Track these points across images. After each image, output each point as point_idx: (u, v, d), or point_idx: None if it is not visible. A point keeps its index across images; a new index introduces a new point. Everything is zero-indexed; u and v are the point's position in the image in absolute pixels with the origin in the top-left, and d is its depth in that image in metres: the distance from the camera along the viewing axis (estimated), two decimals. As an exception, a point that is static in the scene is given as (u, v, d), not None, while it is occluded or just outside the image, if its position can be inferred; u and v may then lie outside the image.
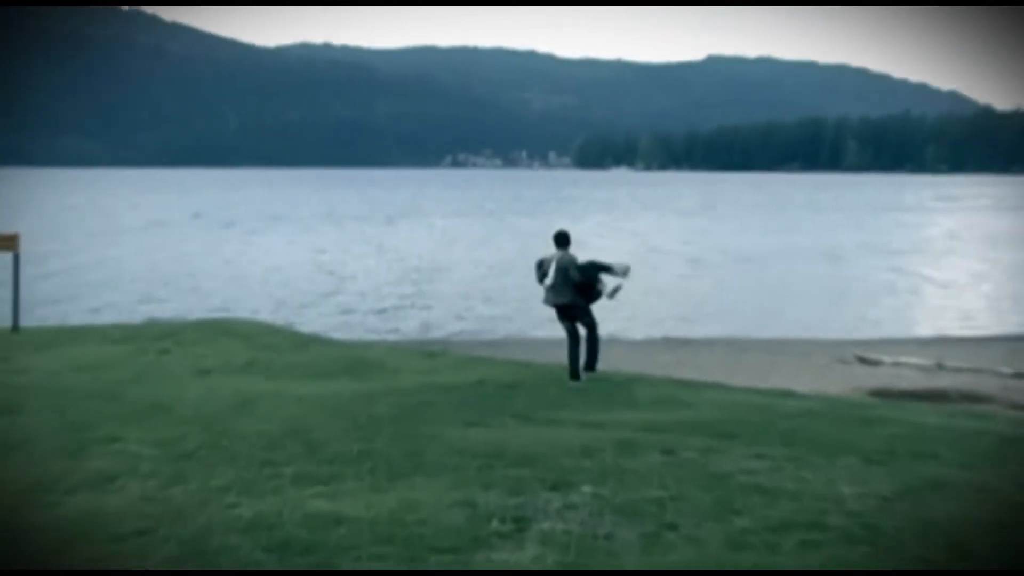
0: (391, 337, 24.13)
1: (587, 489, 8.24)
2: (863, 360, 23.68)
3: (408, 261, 48.58)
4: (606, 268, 13.95)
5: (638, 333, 29.38)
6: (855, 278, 44.54)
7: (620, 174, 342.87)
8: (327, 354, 16.28)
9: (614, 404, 12.49)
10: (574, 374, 13.80)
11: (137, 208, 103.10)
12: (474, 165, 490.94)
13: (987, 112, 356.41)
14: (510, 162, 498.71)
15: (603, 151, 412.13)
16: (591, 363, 13.93)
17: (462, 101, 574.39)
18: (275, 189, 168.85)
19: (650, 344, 26.94)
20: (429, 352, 17.15)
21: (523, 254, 41.32)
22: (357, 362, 15.45)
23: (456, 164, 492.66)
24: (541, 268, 13.79)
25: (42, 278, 37.63)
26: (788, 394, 14.42)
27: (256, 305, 29.63)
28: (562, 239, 14.08)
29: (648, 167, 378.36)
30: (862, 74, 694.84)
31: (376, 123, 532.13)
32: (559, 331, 14.34)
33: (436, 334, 25.06)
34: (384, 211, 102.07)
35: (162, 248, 55.50)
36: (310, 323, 25.49)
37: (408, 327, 26.51)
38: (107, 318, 26.65)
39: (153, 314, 27.30)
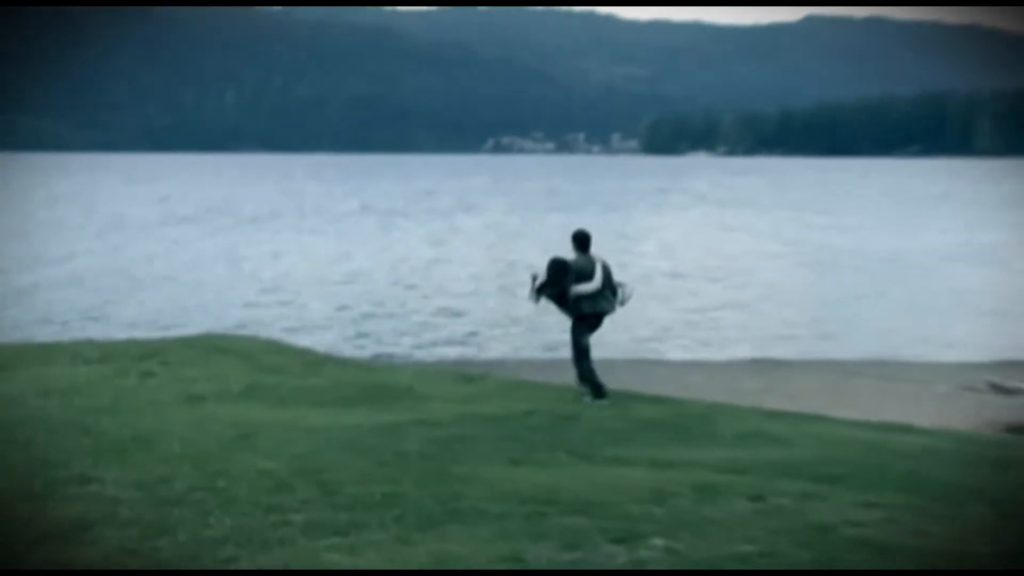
0: (423, 356, 24.58)
1: (658, 542, 8.14)
2: (998, 388, 23.47)
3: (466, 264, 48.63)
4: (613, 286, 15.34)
5: (719, 353, 29.47)
6: (986, 290, 43.97)
7: (698, 160, 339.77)
8: (344, 377, 16.24)
9: (691, 440, 12.35)
10: (601, 389, 14.96)
11: (136, 201, 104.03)
12: (521, 150, 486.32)
13: None
14: (564, 146, 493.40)
15: (677, 133, 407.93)
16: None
17: (506, 74, 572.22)
18: (287, 179, 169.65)
19: (734, 367, 26.96)
20: (467, 376, 17.10)
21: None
22: (380, 388, 15.43)
23: (499, 149, 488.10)
24: (567, 270, 14.82)
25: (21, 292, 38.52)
26: (905, 429, 14.31)
27: (286, 318, 30.39)
28: (585, 241, 15.31)
29: (732, 151, 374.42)
30: (996, 37, 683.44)
31: (402, 101, 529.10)
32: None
33: (488, 354, 25.09)
34: (429, 204, 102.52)
35: (170, 251, 56.47)
36: (359, 342, 25.81)
37: (445, 349, 27.33)
38: (89, 333, 26.78)
39: (160, 329, 27.76)
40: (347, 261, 53.37)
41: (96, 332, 27.02)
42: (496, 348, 27.79)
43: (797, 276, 48.63)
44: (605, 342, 17.99)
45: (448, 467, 10.58)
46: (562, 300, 15.41)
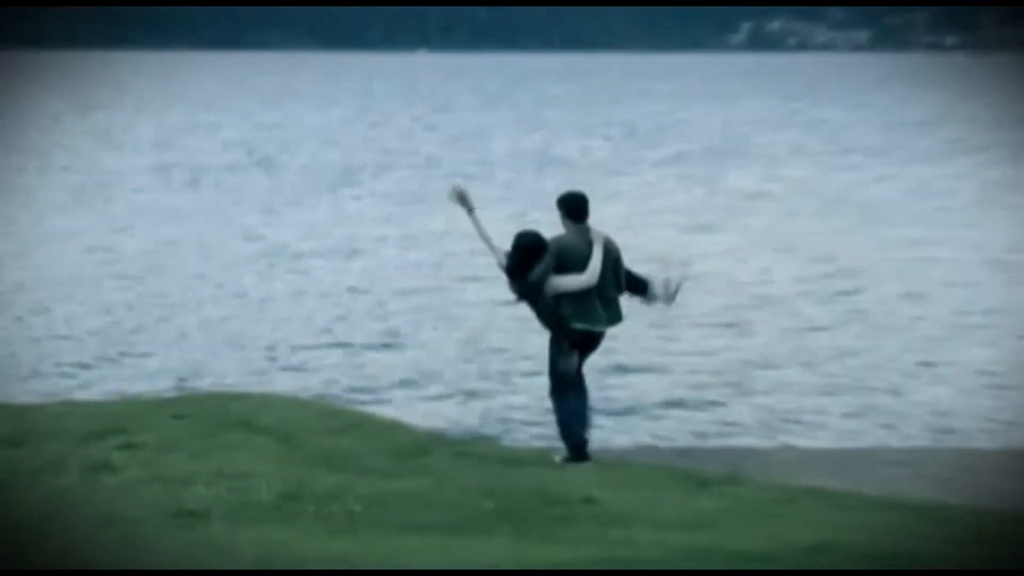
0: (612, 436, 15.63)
1: None
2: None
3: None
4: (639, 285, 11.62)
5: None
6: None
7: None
8: (467, 475, 10.12)
9: None
10: (582, 449, 11.24)
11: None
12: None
13: None
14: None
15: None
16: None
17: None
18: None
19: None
20: (697, 477, 10.42)
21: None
22: (537, 496, 9.33)
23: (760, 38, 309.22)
24: (539, 252, 11.10)
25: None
26: None
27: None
28: (577, 207, 11.38)
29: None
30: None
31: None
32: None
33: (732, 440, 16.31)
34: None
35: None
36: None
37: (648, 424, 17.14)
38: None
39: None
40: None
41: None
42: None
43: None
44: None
45: None
46: (534, 300, 11.25)
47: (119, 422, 11.63)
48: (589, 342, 11.45)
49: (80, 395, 17.02)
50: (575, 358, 11.37)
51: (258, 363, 20.60)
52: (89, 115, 78.68)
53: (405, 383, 18.70)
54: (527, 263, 11.20)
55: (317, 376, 19.53)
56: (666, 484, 10.32)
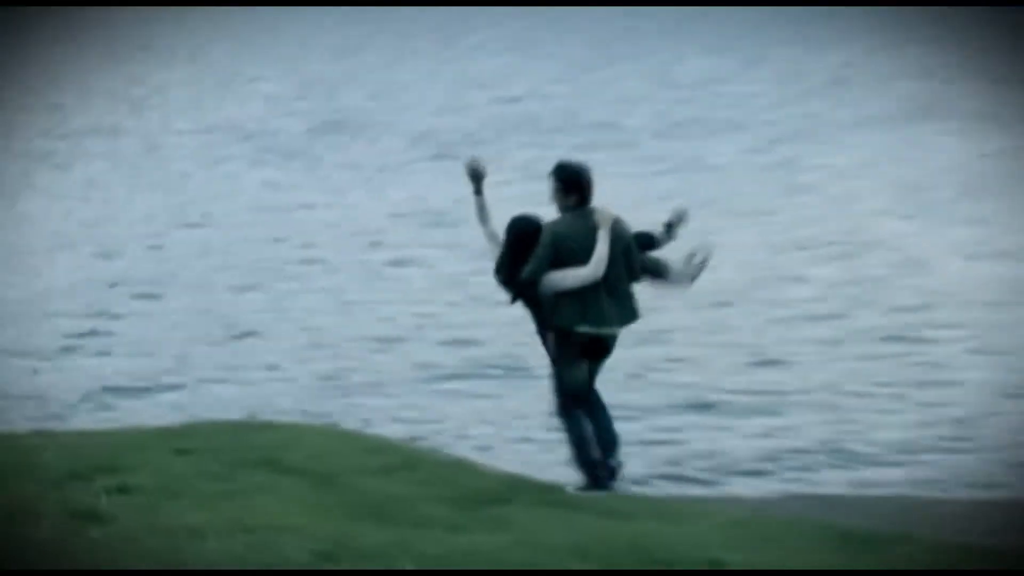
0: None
1: None
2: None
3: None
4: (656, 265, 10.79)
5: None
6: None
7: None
8: (542, 527, 8.30)
9: None
10: (599, 474, 10.30)
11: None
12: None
13: None
14: None
15: None
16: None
17: None
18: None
19: None
20: (858, 534, 8.40)
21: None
22: (639, 555, 7.41)
23: None
24: (530, 239, 10.21)
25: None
26: None
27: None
28: (577, 183, 10.33)
29: None
30: None
31: None
32: None
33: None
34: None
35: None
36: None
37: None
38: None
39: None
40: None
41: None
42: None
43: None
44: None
45: None
46: (529, 297, 10.34)
47: (109, 458, 9.75)
48: (598, 348, 10.42)
49: (59, 424, 14.69)
50: (583, 369, 10.39)
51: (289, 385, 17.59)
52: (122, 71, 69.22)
53: (474, 413, 16.00)
54: (521, 255, 10.20)
55: (361, 402, 16.60)
56: (813, 543, 8.39)
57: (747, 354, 17.52)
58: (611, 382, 11.21)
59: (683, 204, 11.11)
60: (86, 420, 15.50)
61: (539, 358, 11.42)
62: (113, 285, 22.98)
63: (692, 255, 10.66)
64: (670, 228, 10.79)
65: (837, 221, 25.90)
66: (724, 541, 8.25)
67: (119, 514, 8.37)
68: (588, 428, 10.38)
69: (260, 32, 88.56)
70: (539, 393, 12.64)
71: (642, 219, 11.08)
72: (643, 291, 10.63)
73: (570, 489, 10.24)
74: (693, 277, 10.83)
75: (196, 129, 44.69)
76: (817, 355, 17.40)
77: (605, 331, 10.16)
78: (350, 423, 14.40)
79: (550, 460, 11.97)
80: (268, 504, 8.75)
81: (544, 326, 10.34)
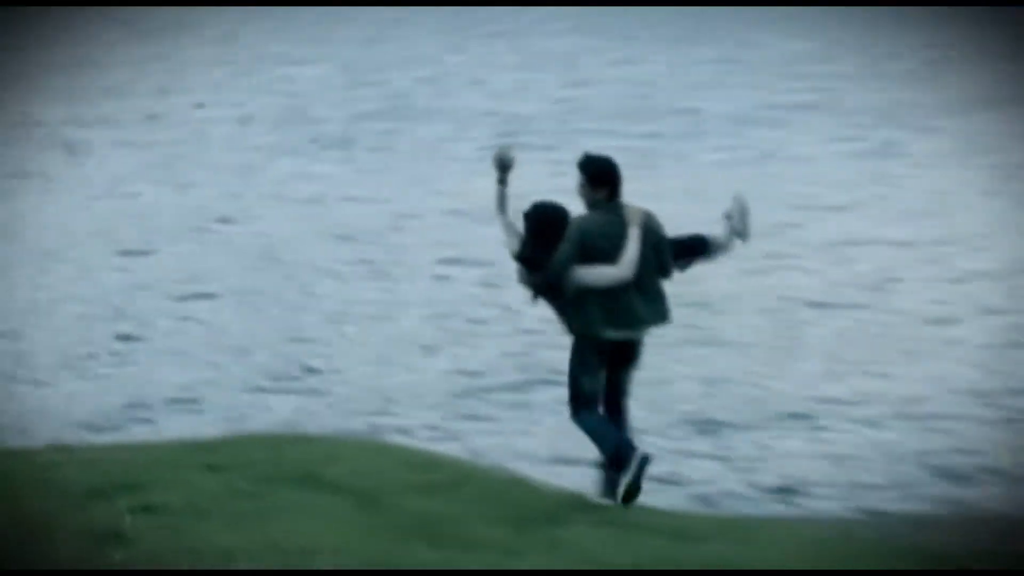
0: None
1: None
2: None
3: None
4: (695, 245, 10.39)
5: None
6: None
7: None
8: (603, 549, 7.53)
9: None
10: (625, 453, 9.64)
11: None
12: None
13: None
14: None
15: None
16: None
17: None
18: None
19: None
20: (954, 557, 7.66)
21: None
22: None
23: None
24: (558, 231, 9.80)
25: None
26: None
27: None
28: (604, 175, 9.88)
29: None
30: None
31: None
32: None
33: None
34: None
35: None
36: None
37: None
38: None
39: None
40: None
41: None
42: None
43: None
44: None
45: None
46: (556, 296, 9.94)
47: (133, 475, 9.18)
48: (626, 352, 9.93)
49: (95, 436, 14.11)
50: (603, 374, 9.93)
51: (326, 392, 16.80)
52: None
53: (528, 424, 15.23)
54: (546, 244, 9.71)
55: (405, 411, 15.82)
56: (900, 566, 7.68)
57: (836, 362, 16.56)
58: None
59: (741, 194, 10.49)
60: (122, 434, 14.89)
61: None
62: (147, 287, 22.07)
63: (729, 216, 10.19)
64: (729, 223, 10.32)
65: (936, 214, 24.68)
66: (804, 564, 7.54)
67: (143, 535, 7.86)
68: (608, 423, 9.98)
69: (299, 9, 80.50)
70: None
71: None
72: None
73: (591, 496, 9.81)
74: (741, 235, 10.31)
75: (232, 116, 41.84)
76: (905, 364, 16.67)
77: (634, 335, 9.74)
78: (394, 435, 13.71)
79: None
80: (305, 525, 8.16)
81: (569, 325, 9.95)
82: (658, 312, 9.73)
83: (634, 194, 10.03)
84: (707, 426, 13.09)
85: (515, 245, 10.03)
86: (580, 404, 9.82)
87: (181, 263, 23.65)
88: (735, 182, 27.45)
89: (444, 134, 37.27)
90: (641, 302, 9.69)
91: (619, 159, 9.98)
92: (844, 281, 20.36)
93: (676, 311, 9.87)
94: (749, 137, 34.46)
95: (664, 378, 15.69)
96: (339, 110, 42.49)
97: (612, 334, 9.65)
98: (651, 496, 10.68)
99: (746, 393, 15.21)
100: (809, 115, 38.33)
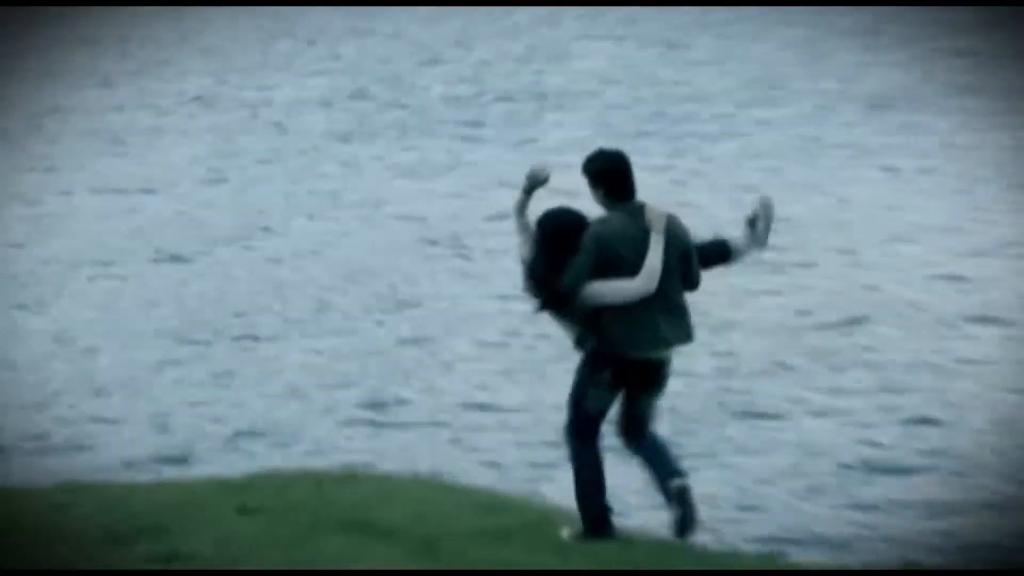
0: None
1: None
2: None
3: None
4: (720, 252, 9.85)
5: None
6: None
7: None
8: None
9: None
10: (602, 521, 9.20)
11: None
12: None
13: None
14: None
15: None
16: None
17: None
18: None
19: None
20: None
21: None
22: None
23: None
24: (573, 241, 9.20)
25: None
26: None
27: None
28: (617, 177, 9.29)
29: None
30: None
31: None
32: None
33: None
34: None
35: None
36: None
37: None
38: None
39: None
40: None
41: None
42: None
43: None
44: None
45: None
46: (564, 312, 9.41)
47: (156, 518, 8.47)
48: (649, 374, 9.32)
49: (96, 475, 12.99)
50: (609, 398, 9.32)
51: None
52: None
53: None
54: (560, 255, 9.17)
55: (467, 445, 14.85)
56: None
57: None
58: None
59: (767, 195, 10.03)
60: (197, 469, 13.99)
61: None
62: (216, 301, 20.40)
63: (753, 219, 9.73)
64: (753, 225, 9.74)
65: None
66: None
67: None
68: (601, 468, 9.35)
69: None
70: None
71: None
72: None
73: (565, 533, 9.18)
74: (763, 242, 9.86)
75: (302, 100, 38.28)
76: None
77: (657, 355, 9.14)
78: (458, 472, 12.66)
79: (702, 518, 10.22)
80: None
81: (581, 344, 9.31)
82: (682, 330, 9.18)
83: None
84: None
85: (526, 250, 9.47)
86: (580, 425, 9.17)
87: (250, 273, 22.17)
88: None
89: (557, 121, 34.31)
90: (664, 318, 9.15)
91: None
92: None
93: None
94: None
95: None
96: (433, 92, 38.34)
97: (636, 355, 9.11)
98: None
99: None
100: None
